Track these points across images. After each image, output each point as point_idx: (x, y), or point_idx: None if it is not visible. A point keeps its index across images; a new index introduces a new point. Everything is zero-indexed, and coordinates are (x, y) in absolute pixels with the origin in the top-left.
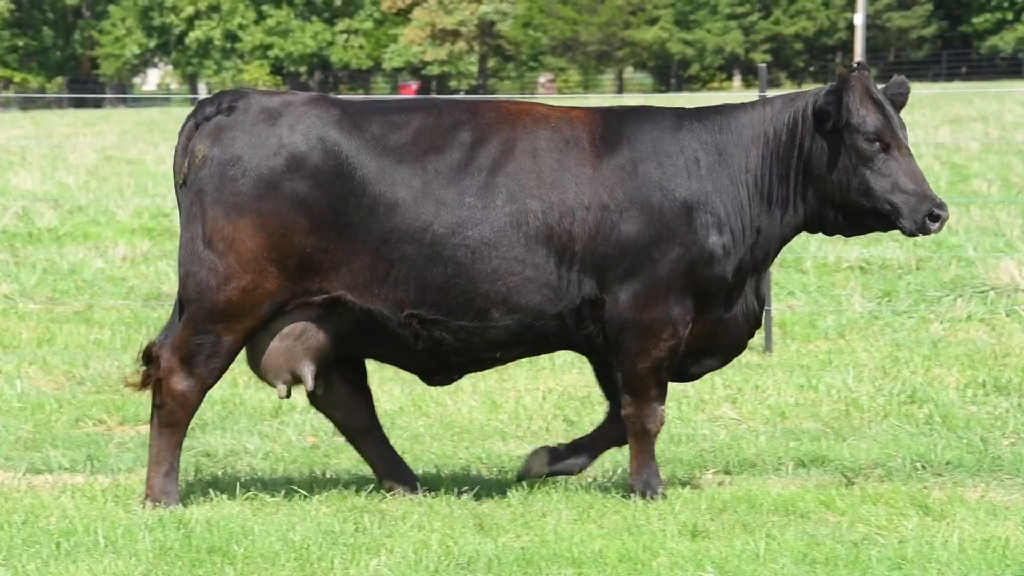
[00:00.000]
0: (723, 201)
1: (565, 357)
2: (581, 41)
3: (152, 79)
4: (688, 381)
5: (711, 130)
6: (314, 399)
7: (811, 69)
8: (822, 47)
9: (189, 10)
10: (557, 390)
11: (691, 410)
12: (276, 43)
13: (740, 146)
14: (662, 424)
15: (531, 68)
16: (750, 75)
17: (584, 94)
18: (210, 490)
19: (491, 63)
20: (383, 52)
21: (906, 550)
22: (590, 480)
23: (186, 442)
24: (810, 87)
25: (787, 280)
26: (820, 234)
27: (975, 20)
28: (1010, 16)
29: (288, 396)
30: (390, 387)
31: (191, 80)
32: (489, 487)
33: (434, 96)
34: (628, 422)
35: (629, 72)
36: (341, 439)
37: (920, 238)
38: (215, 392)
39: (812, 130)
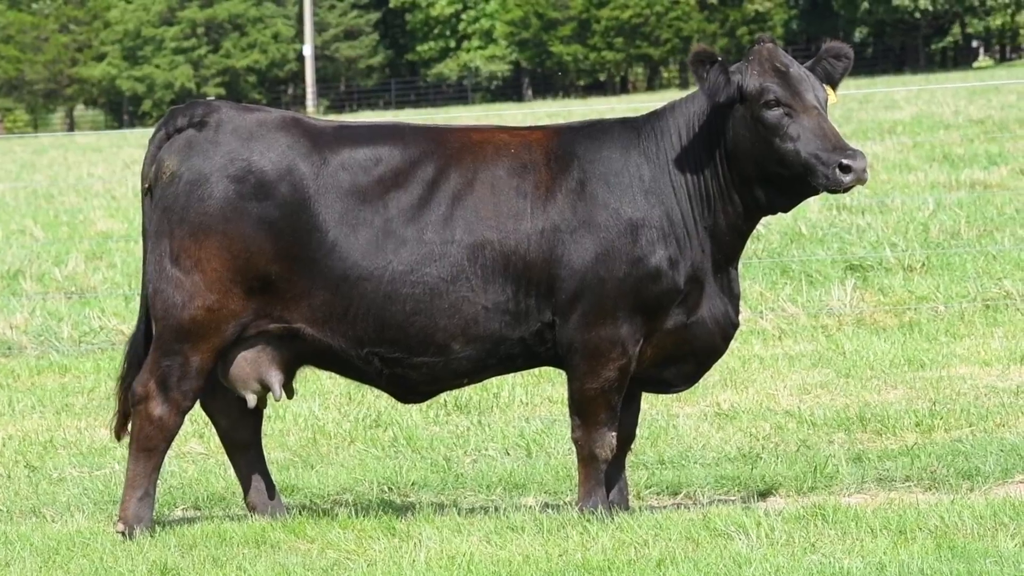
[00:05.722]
0: (667, 211)
1: (25, 401)
2: (27, 80)
3: None
4: (675, 392)
5: (655, 139)
6: (204, 401)
7: (264, 101)
8: (274, 79)
9: None
10: (17, 436)
11: None
12: None
13: (677, 149)
14: (612, 451)
15: None
16: None
17: (35, 134)
18: None
19: None
20: None
21: (375, 572)
22: (56, 524)
23: None
24: None
25: None
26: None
27: (420, 49)
28: (452, 44)
29: (263, 405)
30: None
31: None
32: None
33: (403, 123)
34: (576, 446)
35: (80, 109)
36: None
37: None
38: None
39: (722, 115)
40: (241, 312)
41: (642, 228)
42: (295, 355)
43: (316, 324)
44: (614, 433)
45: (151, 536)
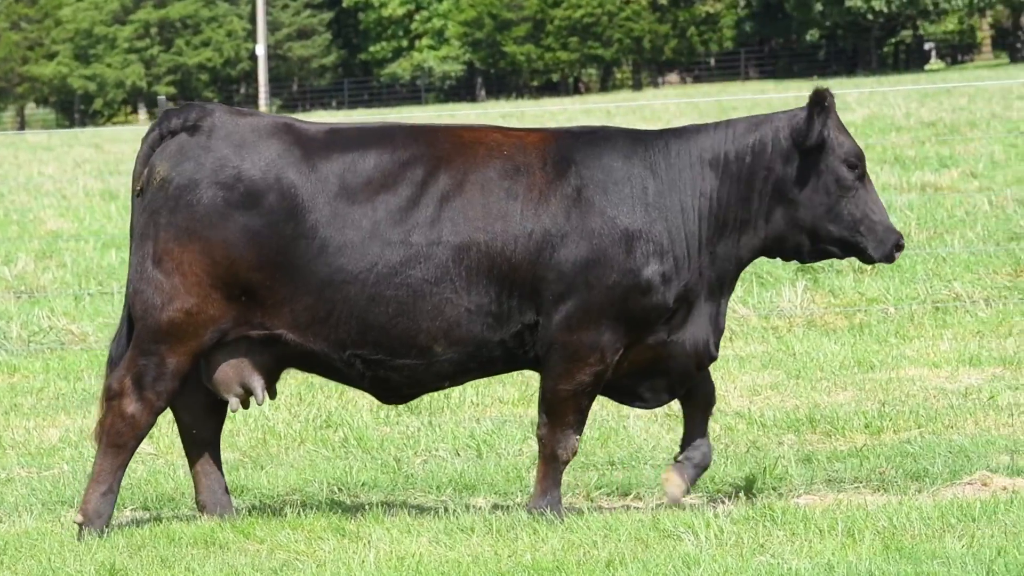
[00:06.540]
0: (668, 228)
1: None
2: None
3: None
4: (644, 408)
5: (665, 154)
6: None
7: (216, 100)
8: (227, 78)
9: None
10: None
11: None
12: None
13: (696, 170)
14: (574, 454)
15: None
16: (155, 108)
17: None
18: None
19: None
20: None
21: (324, 573)
22: (3, 524)
23: None
24: None
25: None
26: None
27: (373, 49)
28: (405, 44)
29: (245, 407)
30: None
31: None
32: None
33: (394, 124)
34: (540, 443)
35: (31, 108)
36: None
37: None
38: None
39: (787, 153)
40: (220, 318)
41: (638, 240)
42: (278, 359)
43: (298, 329)
44: (578, 437)
45: (106, 534)
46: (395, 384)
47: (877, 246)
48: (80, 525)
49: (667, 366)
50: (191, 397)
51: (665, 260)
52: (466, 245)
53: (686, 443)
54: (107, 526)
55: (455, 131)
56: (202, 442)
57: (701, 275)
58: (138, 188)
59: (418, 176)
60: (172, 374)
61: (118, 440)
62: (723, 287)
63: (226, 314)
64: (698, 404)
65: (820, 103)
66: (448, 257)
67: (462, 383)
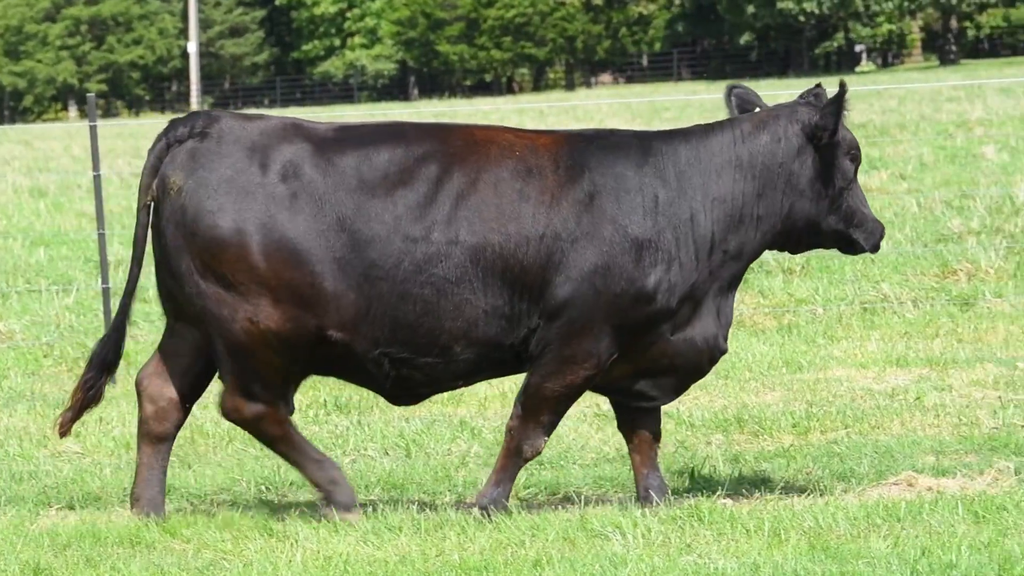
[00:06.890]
0: (676, 235)
1: None
2: None
3: None
4: (653, 405)
5: (675, 161)
6: (138, 380)
7: (148, 98)
8: (158, 75)
9: None
10: None
11: (33, 447)
12: None
13: (708, 174)
14: (537, 454)
15: None
16: (85, 105)
17: None
18: None
19: None
20: None
21: (251, 572)
22: None
23: None
24: (149, 116)
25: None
26: None
27: (305, 47)
28: (338, 43)
29: None
30: None
31: None
32: None
33: (404, 121)
34: (507, 435)
35: None
36: None
37: None
38: None
39: (799, 148)
40: (277, 327)
41: (647, 249)
42: (305, 367)
43: (344, 328)
44: (546, 439)
45: (24, 537)
46: (416, 383)
47: (868, 237)
48: (323, 499)
49: (673, 363)
50: (158, 388)
51: (672, 268)
52: (482, 246)
53: (641, 485)
54: (348, 488)
55: (467, 129)
56: (159, 437)
57: (711, 275)
58: (148, 200)
59: (432, 173)
60: (274, 375)
61: (273, 435)
62: (733, 283)
63: (282, 323)
64: (645, 442)
65: (842, 102)
66: (466, 257)
67: (473, 383)
